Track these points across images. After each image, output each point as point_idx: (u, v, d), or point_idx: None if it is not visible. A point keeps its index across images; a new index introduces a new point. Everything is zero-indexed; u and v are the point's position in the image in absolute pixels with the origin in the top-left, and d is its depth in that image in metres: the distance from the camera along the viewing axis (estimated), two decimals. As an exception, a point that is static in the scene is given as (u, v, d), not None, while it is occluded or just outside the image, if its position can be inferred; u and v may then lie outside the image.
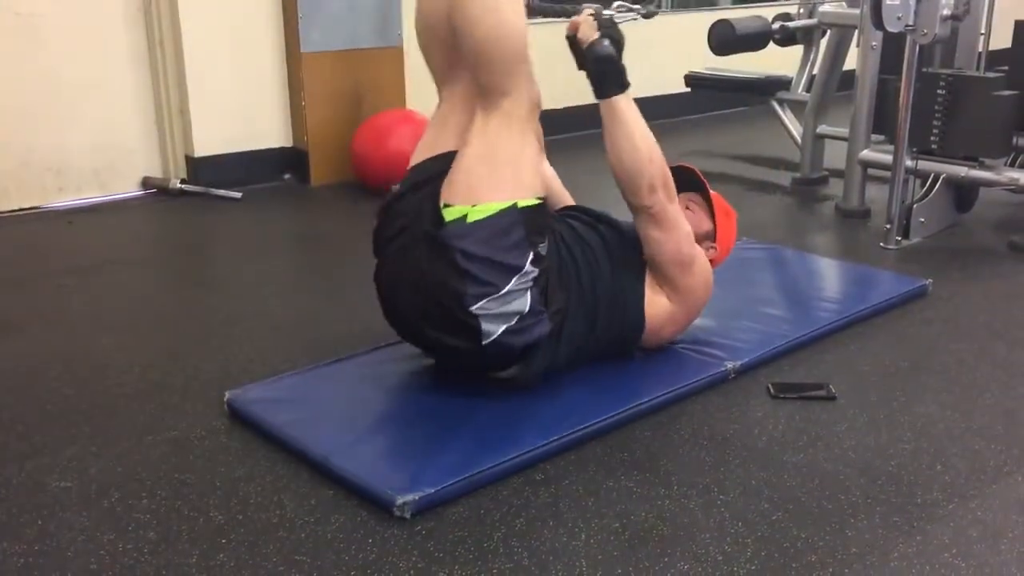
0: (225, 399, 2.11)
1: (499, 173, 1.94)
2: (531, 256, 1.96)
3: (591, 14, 2.14)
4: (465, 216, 1.90)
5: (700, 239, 2.31)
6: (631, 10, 2.19)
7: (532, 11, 2.21)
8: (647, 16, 2.24)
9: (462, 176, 1.94)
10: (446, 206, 1.92)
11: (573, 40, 2.18)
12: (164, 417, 2.11)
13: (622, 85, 2.12)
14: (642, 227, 2.18)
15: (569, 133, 4.42)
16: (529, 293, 1.97)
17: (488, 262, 1.91)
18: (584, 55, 2.13)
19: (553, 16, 2.38)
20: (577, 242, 2.18)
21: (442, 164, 2.00)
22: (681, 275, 2.21)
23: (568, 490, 1.81)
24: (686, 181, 2.38)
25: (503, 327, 1.96)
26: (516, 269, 1.94)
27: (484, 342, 1.96)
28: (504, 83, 1.96)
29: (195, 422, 2.08)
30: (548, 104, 2.11)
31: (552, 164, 2.33)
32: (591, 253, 2.18)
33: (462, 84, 2.05)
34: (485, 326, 1.95)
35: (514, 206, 1.92)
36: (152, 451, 1.97)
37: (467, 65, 2.01)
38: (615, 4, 2.23)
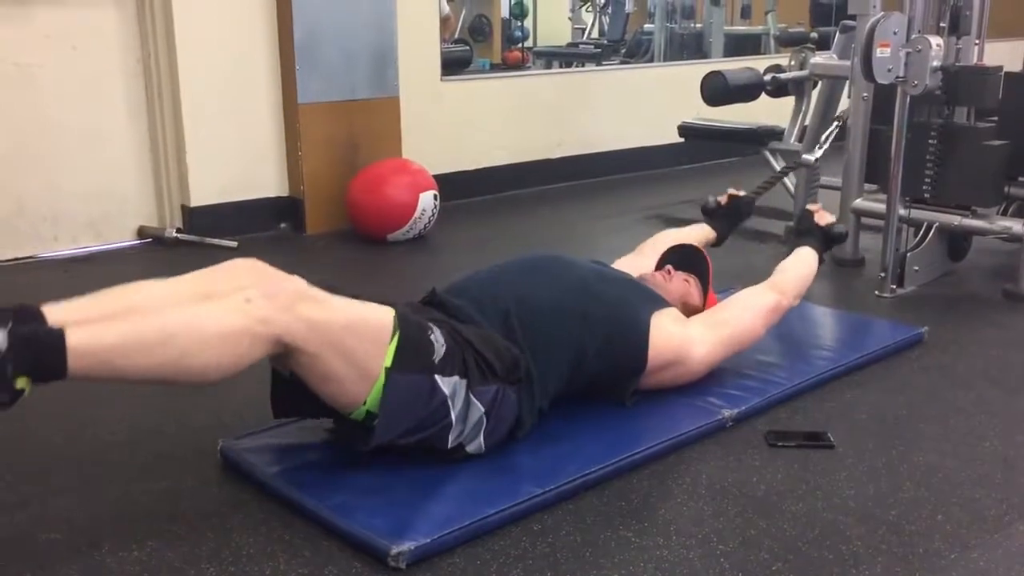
0: (218, 448, 2.09)
1: (349, 371, 1.81)
2: (439, 379, 1.89)
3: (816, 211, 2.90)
4: (368, 411, 1.86)
5: (687, 312, 2.44)
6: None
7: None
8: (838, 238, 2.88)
9: (332, 397, 1.86)
10: (350, 415, 1.89)
11: (737, 202, 3.04)
12: (156, 466, 2.08)
13: (825, 254, 2.84)
14: (760, 298, 2.51)
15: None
16: (472, 396, 1.94)
17: (421, 421, 1.89)
18: (824, 230, 2.81)
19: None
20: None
21: (299, 392, 1.91)
22: (730, 345, 2.42)
23: (566, 541, 1.79)
24: (694, 262, 2.59)
25: (481, 436, 1.98)
26: (443, 400, 1.90)
27: (482, 451, 2.00)
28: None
29: (187, 471, 2.05)
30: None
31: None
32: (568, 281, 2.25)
33: None
34: (471, 447, 1.99)
35: (387, 372, 1.83)
36: (143, 501, 1.94)
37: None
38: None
